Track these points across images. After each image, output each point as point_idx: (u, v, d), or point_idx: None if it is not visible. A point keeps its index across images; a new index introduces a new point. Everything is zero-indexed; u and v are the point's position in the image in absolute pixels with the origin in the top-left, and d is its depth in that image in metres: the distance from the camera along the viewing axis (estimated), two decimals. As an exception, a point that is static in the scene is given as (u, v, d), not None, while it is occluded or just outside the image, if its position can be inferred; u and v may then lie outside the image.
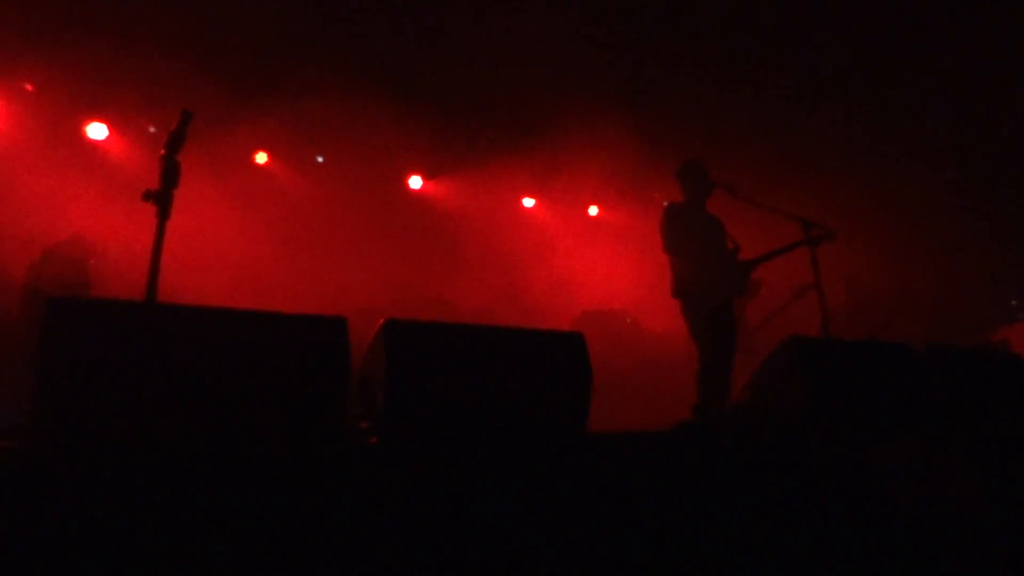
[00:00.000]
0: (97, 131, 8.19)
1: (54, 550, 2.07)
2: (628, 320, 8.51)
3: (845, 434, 3.31)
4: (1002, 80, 8.75)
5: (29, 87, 7.76)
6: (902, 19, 8.30)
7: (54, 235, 6.77)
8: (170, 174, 2.65)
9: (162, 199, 2.60)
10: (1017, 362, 4.52)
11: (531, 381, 3.12)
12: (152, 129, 8.38)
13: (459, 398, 2.97)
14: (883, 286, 8.32)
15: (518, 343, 3.22)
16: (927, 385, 3.75)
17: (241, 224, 8.02)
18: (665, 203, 5.73)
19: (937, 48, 8.59)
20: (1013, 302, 10.03)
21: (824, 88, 9.16)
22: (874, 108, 9.32)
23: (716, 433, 3.52)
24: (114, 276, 6.60)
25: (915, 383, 3.70)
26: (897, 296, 8.39)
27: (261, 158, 9.06)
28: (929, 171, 9.19)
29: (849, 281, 7.93)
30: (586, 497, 2.80)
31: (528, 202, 10.64)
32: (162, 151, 2.72)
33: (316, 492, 2.50)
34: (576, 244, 10.19)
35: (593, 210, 10.91)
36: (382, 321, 3.01)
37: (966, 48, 8.50)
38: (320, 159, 9.35)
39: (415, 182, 10.07)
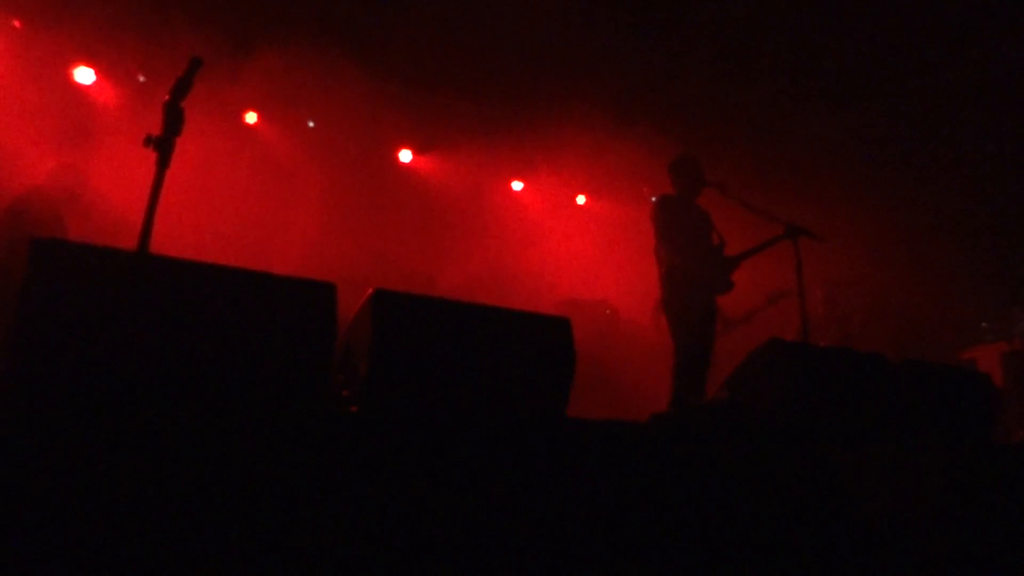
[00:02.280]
0: (84, 75, 7.99)
1: (13, 505, 2.03)
2: (607, 311, 8.54)
3: (820, 436, 3.37)
4: (995, 104, 8.85)
5: (17, 23, 7.54)
6: (904, 30, 8.34)
7: (31, 180, 6.56)
8: (173, 121, 2.60)
9: (163, 146, 2.55)
10: (986, 381, 4.61)
11: (515, 361, 3.12)
12: (142, 78, 8.21)
13: (442, 372, 2.97)
14: (861, 298, 8.43)
15: (505, 323, 3.22)
16: (900, 396, 3.82)
17: (226, 182, 7.90)
18: (655, 197, 5.75)
19: (940, 60, 8.65)
20: (983, 324, 10.27)
21: (824, 93, 9.20)
22: (872, 119, 9.39)
23: (693, 426, 3.56)
24: (88, 225, 6.46)
25: (890, 393, 3.77)
26: (873, 309, 8.52)
27: (251, 118, 8.93)
28: (920, 190, 9.31)
29: (828, 289, 8.01)
30: (561, 477, 2.82)
31: (517, 185, 10.60)
32: (167, 96, 2.67)
33: (293, 455, 2.49)
34: (561, 231, 10.20)
35: (581, 199, 10.90)
36: (371, 291, 2.99)
37: (967, 64, 8.57)
38: (311, 124, 9.23)
39: (405, 156, 9.99)
